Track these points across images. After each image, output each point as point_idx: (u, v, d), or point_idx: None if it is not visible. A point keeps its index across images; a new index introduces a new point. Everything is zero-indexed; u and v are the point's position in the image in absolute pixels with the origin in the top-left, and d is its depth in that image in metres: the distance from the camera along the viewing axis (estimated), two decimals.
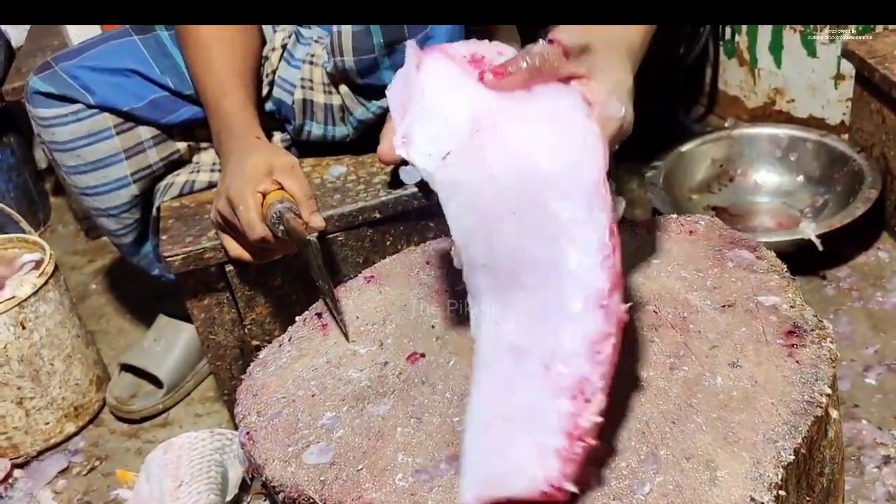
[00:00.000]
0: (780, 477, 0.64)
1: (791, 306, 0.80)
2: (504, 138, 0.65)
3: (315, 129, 1.28)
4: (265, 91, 1.26)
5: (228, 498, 1.23)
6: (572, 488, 0.61)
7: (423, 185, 0.71)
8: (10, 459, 1.43)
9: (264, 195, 1.04)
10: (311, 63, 1.26)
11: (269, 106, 1.28)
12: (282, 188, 1.05)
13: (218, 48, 1.16)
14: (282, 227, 1.01)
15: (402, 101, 0.71)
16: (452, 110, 0.67)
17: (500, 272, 0.67)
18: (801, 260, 1.53)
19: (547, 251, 0.64)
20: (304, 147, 1.35)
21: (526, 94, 0.68)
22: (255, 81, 1.22)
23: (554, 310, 0.64)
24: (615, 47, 0.76)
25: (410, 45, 0.73)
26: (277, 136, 1.32)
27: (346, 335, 0.85)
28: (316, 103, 1.26)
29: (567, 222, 0.64)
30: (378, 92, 1.23)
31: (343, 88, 1.25)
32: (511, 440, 0.62)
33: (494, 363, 0.67)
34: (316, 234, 1.04)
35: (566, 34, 0.72)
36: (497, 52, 0.72)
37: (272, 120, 1.30)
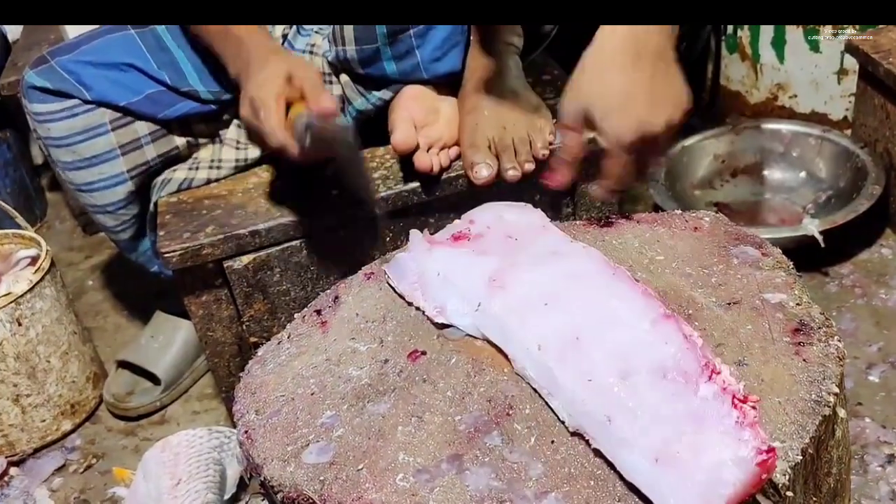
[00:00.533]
0: (787, 478, 0.63)
1: (797, 304, 0.79)
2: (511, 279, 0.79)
3: None
4: None
5: (227, 496, 1.22)
6: (774, 443, 0.61)
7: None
8: (6, 457, 1.42)
9: (289, 105, 1.03)
10: (311, 53, 1.24)
11: None
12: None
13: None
14: (309, 139, 1.00)
15: (412, 279, 0.87)
16: (466, 276, 0.82)
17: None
18: (804, 256, 1.51)
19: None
20: None
21: (514, 243, 0.85)
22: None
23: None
24: (609, 64, 0.85)
25: (416, 235, 0.90)
26: None
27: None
28: None
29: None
30: (379, 82, 1.22)
31: (344, 78, 1.23)
32: (693, 451, 0.61)
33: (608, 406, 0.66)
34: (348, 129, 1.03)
35: (566, 106, 0.87)
36: (469, 219, 0.91)
37: None
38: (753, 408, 0.61)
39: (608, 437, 0.65)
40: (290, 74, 1.03)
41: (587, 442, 0.67)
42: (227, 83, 1.22)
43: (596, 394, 0.66)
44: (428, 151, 1.16)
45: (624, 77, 0.84)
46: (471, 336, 0.80)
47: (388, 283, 0.90)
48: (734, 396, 0.62)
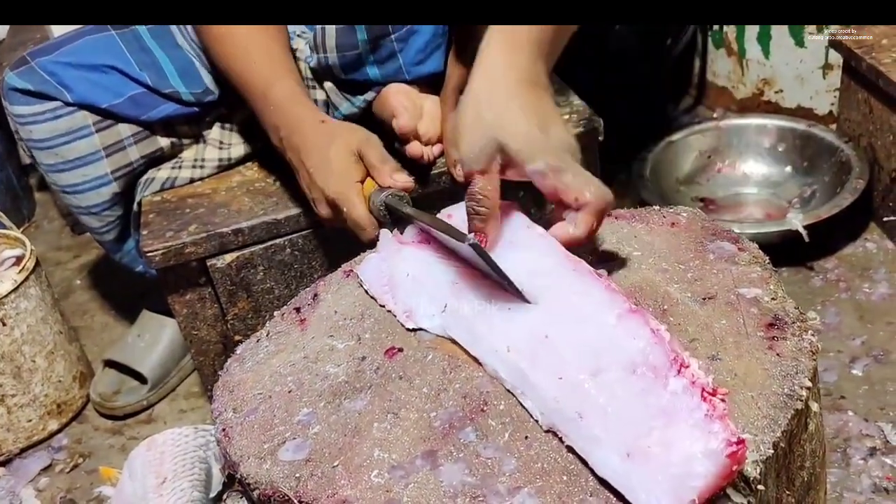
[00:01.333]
0: (758, 471, 0.64)
1: (772, 298, 0.79)
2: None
3: None
4: None
5: (212, 494, 1.22)
6: (744, 435, 0.60)
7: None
8: None
9: (360, 181, 0.99)
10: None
11: None
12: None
13: (253, 37, 1.09)
14: (390, 218, 0.95)
15: (382, 281, 0.86)
16: (434, 277, 0.82)
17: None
18: (789, 251, 1.53)
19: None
20: None
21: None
22: (294, 64, 1.15)
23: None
24: (530, 111, 0.78)
25: (385, 235, 0.89)
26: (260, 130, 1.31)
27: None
28: None
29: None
30: (362, 87, 1.22)
31: (328, 84, 1.23)
32: (664, 446, 0.61)
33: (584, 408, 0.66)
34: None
35: (472, 147, 0.79)
36: (447, 214, 0.90)
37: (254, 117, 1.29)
38: (723, 400, 0.61)
39: (580, 434, 0.65)
40: (356, 153, 0.98)
41: (560, 438, 0.67)
42: (209, 85, 1.22)
43: (567, 392, 0.66)
44: None
45: (530, 104, 0.78)
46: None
47: (359, 285, 0.90)
48: (703, 390, 0.62)
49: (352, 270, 0.93)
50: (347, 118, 1.24)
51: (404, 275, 0.84)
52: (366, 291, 0.88)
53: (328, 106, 1.25)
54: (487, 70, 0.81)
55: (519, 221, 0.84)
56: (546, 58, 0.83)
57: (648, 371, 0.65)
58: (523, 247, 0.80)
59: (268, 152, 1.34)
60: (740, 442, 0.59)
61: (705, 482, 0.59)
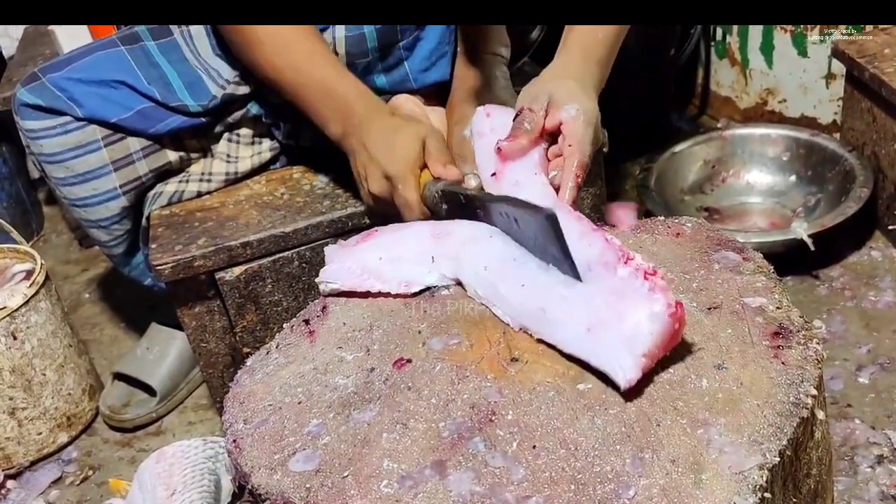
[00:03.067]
0: (764, 479, 0.64)
1: (777, 307, 0.80)
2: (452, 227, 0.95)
3: (306, 132, 1.28)
4: (252, 92, 1.25)
5: None
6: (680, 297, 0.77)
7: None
8: (3, 470, 1.43)
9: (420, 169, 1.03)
10: None
11: (256, 109, 1.28)
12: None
13: (298, 35, 1.11)
14: (445, 206, 0.99)
15: (355, 273, 0.94)
16: (409, 245, 0.95)
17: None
18: (794, 260, 1.53)
19: None
20: (294, 154, 1.35)
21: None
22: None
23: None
24: (580, 88, 0.97)
25: (331, 248, 0.98)
26: (266, 143, 1.32)
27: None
28: None
29: None
30: None
31: None
32: (617, 316, 0.72)
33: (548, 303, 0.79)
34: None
35: (534, 89, 0.98)
36: (486, 112, 1.05)
37: (257, 125, 1.30)
38: (662, 278, 0.73)
39: (546, 324, 0.78)
40: (423, 142, 1.03)
41: (568, 446, 0.68)
42: (215, 94, 1.23)
43: (530, 294, 0.80)
44: None
45: (582, 85, 0.99)
46: (454, 347, 0.82)
47: (323, 290, 0.94)
48: (645, 272, 0.74)
49: None
50: None
51: (377, 259, 0.93)
52: (336, 294, 0.93)
53: None
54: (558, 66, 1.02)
55: (530, 168, 0.95)
56: (599, 85, 1.04)
57: (600, 266, 0.77)
58: (525, 186, 0.93)
59: (269, 164, 1.36)
60: (678, 304, 0.72)
61: (653, 339, 0.71)
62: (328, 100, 1.09)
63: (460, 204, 0.96)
